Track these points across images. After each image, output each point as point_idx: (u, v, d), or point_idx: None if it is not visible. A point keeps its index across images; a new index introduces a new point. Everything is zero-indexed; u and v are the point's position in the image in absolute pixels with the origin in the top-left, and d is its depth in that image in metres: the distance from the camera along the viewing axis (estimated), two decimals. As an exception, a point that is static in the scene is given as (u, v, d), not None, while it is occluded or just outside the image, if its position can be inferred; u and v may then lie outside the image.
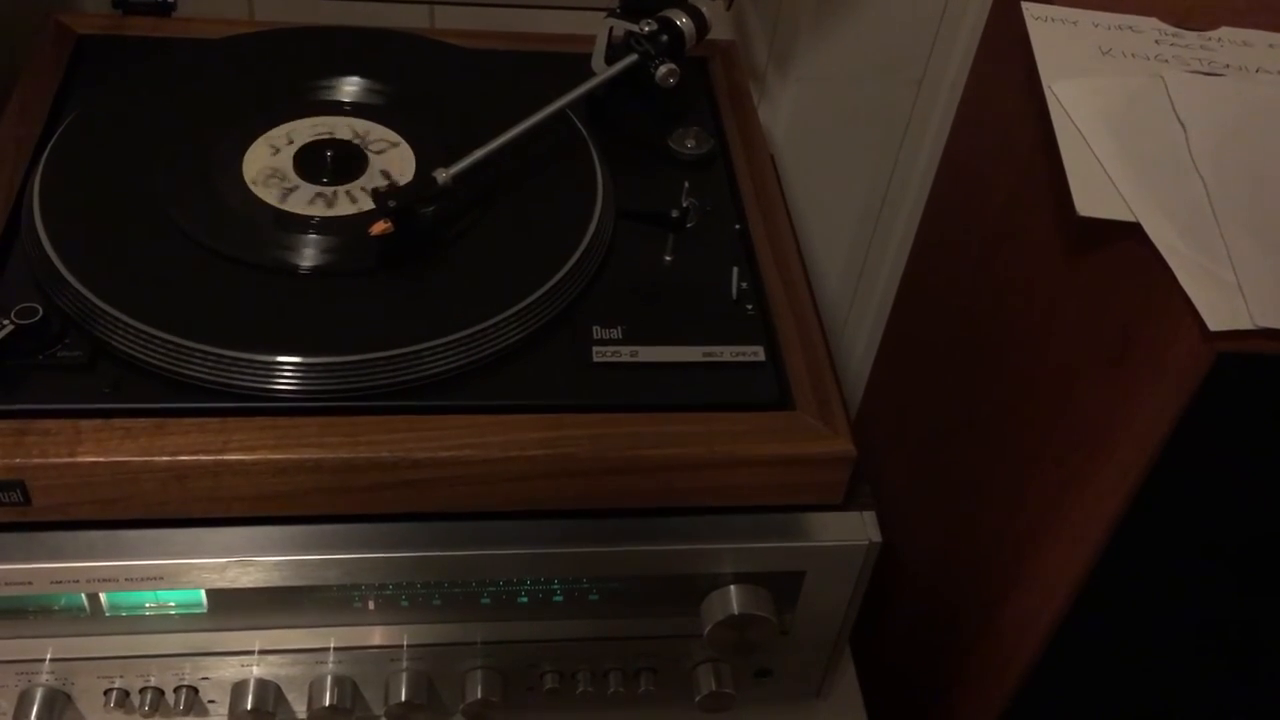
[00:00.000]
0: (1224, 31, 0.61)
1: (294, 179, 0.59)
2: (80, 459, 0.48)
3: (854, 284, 0.99)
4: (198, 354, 0.50)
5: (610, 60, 0.66)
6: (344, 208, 0.58)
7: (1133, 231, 0.51)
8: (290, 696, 0.57)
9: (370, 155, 0.61)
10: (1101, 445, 0.55)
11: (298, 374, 0.51)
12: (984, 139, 0.71)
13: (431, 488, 0.51)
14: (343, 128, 0.62)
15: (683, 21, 0.65)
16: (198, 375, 0.50)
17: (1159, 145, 0.54)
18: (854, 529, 0.55)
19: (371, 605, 0.54)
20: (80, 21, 0.70)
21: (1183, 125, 0.55)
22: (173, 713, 0.56)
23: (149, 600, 0.53)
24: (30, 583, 0.50)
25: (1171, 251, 0.49)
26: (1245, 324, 0.46)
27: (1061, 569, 0.58)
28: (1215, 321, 0.46)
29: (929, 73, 0.86)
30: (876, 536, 0.55)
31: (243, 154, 0.60)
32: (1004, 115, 0.67)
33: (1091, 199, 0.51)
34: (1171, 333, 0.49)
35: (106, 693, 0.56)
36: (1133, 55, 0.58)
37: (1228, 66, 0.59)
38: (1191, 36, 0.60)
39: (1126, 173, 0.52)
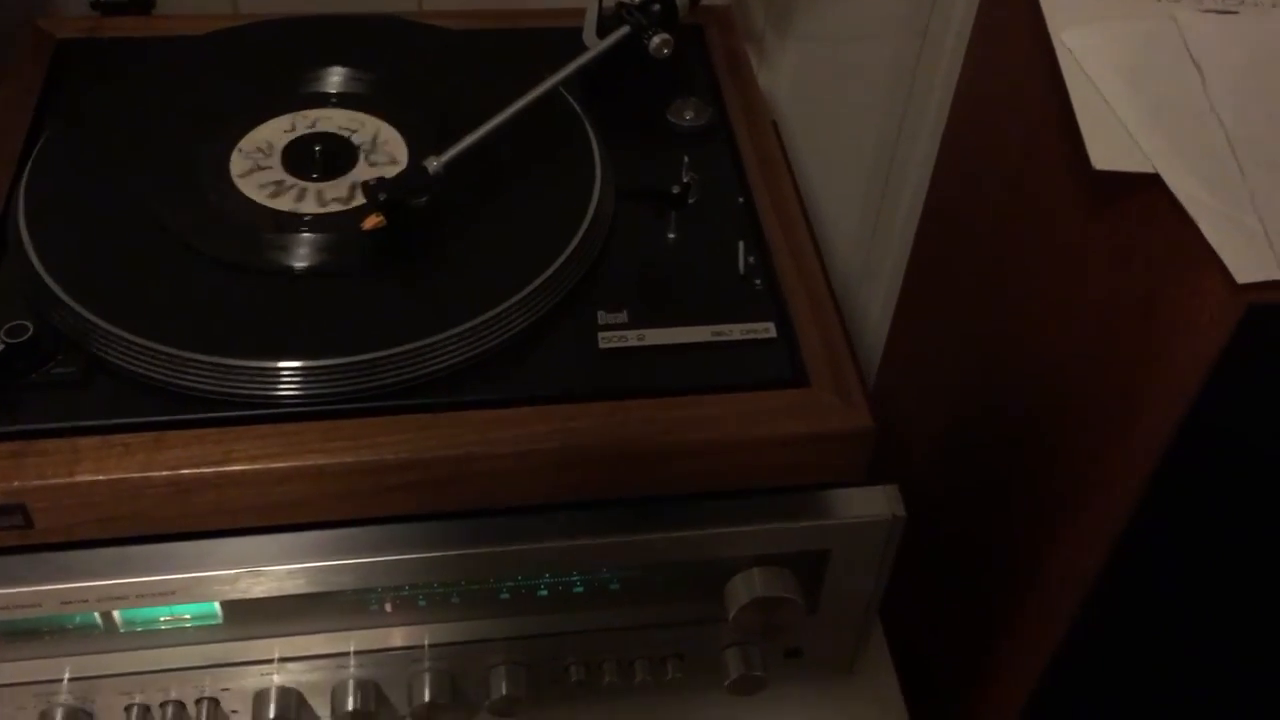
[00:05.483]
0: (1238, -34, 0.59)
1: (283, 176, 0.58)
2: (79, 478, 0.47)
3: (866, 246, 0.98)
4: (193, 364, 0.49)
5: (602, 34, 0.64)
6: (336, 203, 0.57)
7: (1153, 182, 0.49)
8: (313, 703, 0.56)
9: (360, 147, 0.59)
10: (1132, 403, 0.53)
11: (297, 378, 0.50)
12: (993, 91, 0.69)
13: (441, 487, 0.50)
14: (331, 120, 0.61)
15: (674, -11, 0.63)
16: (195, 385, 0.49)
17: (1175, 90, 0.52)
18: (877, 504, 0.54)
19: (389, 607, 0.53)
20: (59, 25, 0.68)
21: (1198, 67, 0.53)
22: (195, 726, 0.56)
23: (164, 614, 0.52)
24: (39, 604, 0.50)
25: (1194, 202, 0.47)
26: (1276, 274, 0.44)
27: (1096, 529, 0.57)
28: (1243, 273, 0.44)
29: (933, 23, 0.84)
30: (900, 511, 0.54)
31: (229, 154, 0.59)
32: (1012, 65, 0.65)
33: (1107, 152, 0.49)
34: (1198, 286, 0.47)
35: (127, 709, 0.55)
36: (1143, -3, 0.56)
37: (1243, 3, 0.56)
38: (1204, -27, 0.58)
39: (1143, 121, 0.50)
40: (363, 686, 0.56)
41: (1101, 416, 0.56)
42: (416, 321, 0.51)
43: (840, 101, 0.87)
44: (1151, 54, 0.53)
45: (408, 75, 0.64)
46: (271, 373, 0.50)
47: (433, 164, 0.54)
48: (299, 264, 0.54)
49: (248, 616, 0.52)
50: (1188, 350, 0.49)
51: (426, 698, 0.56)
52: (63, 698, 0.54)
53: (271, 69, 0.64)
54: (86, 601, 0.50)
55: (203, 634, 0.53)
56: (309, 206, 0.56)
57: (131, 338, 0.50)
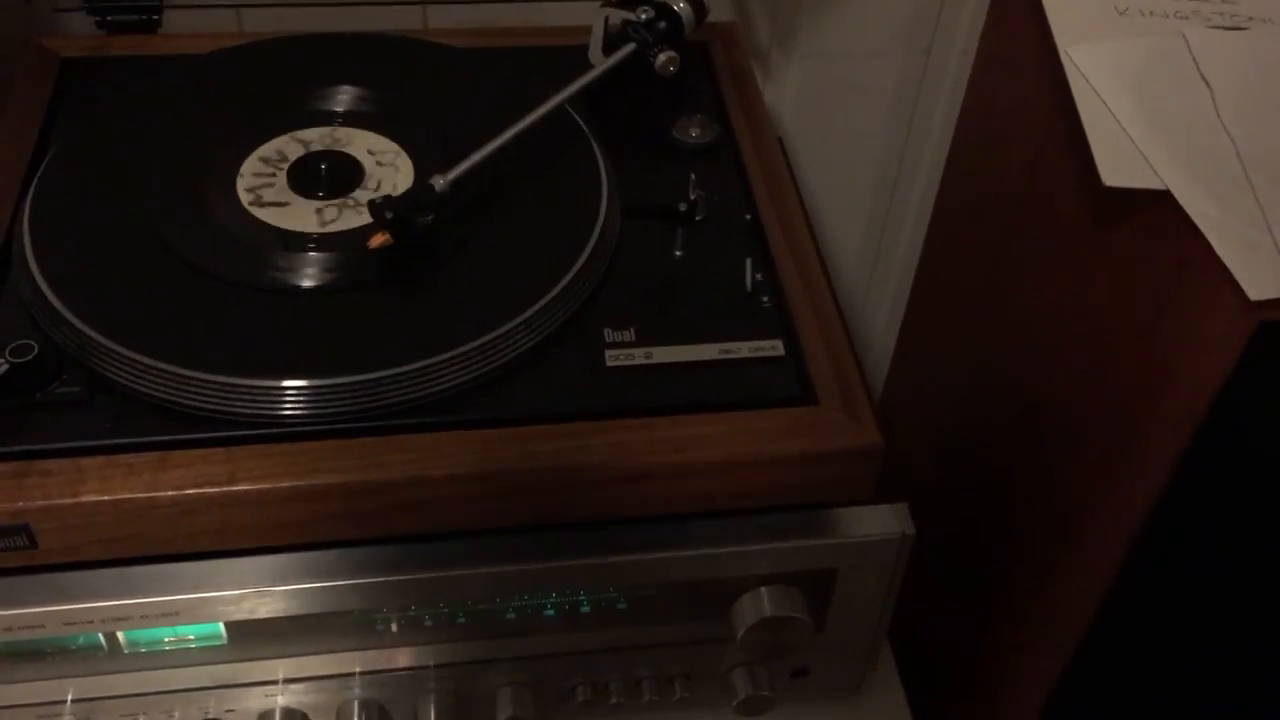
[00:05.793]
0: (1245, -18, 0.58)
1: (289, 194, 0.58)
2: (83, 499, 0.47)
3: (871, 262, 0.97)
4: (198, 383, 0.49)
5: (608, 51, 0.64)
6: (342, 222, 0.56)
7: (1162, 198, 0.49)
8: (318, 724, 0.56)
9: (366, 165, 0.59)
10: (1141, 418, 0.53)
11: (303, 398, 0.49)
12: (998, 109, 0.69)
13: (448, 506, 0.50)
14: (336, 138, 0.61)
15: (680, 6, 0.63)
16: (200, 405, 0.49)
17: (1184, 106, 0.52)
18: (886, 522, 0.53)
19: (395, 627, 0.53)
20: (64, 44, 0.68)
21: (1208, 84, 0.52)
22: (199, 747, 0.55)
23: (168, 635, 0.51)
24: (43, 626, 0.49)
25: (1205, 218, 0.46)
26: (1288, 291, 0.44)
27: (1105, 543, 0.57)
28: (1256, 290, 0.44)
29: (937, 41, 0.84)
30: (910, 529, 0.53)
31: (235, 173, 0.58)
32: (1018, 82, 0.65)
33: (1118, 168, 0.49)
34: (1208, 302, 0.47)
35: (131, 730, 0.55)
36: (1151, 13, 0.56)
37: (1251, 19, 0.56)
38: (1211, -11, 0.58)
39: (1152, 138, 0.50)
40: (368, 707, 0.55)
41: (1110, 431, 0.56)
42: (423, 340, 0.51)
43: (845, 117, 0.87)
44: (1161, 70, 0.53)
45: (413, 93, 0.64)
46: (276, 392, 0.49)
47: (439, 182, 0.54)
48: (305, 282, 0.54)
49: (252, 637, 0.52)
50: (1197, 366, 0.48)
51: (432, 718, 0.55)
52: (66, 719, 0.54)
53: (277, 87, 0.64)
54: (90, 622, 0.49)
55: (207, 655, 0.52)
56: (314, 225, 0.56)
57: (136, 357, 0.49)
